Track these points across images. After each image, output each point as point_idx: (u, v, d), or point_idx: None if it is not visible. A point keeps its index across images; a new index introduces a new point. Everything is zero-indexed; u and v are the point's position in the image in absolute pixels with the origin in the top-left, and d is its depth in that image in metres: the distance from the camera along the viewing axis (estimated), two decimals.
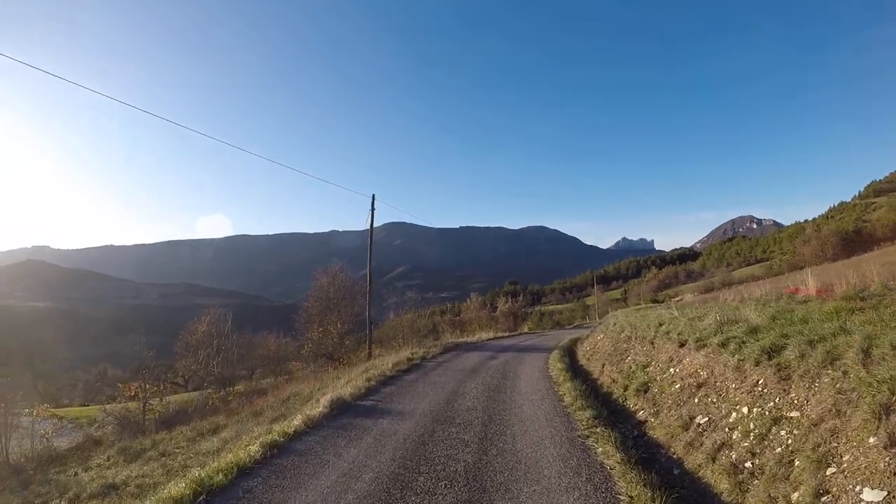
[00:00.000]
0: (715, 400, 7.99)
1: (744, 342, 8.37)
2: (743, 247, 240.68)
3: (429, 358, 21.87)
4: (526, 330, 55.62)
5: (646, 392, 10.51)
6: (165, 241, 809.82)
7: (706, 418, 7.81)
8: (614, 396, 11.80)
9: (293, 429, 10.09)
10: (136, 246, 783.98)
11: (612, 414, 10.35)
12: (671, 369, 10.34)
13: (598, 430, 8.69)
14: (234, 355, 42.04)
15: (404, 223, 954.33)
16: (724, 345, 8.83)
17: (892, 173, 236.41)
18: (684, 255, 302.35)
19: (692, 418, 8.11)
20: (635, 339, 14.40)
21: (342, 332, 31.53)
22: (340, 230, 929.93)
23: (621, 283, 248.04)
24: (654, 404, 9.72)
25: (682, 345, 10.63)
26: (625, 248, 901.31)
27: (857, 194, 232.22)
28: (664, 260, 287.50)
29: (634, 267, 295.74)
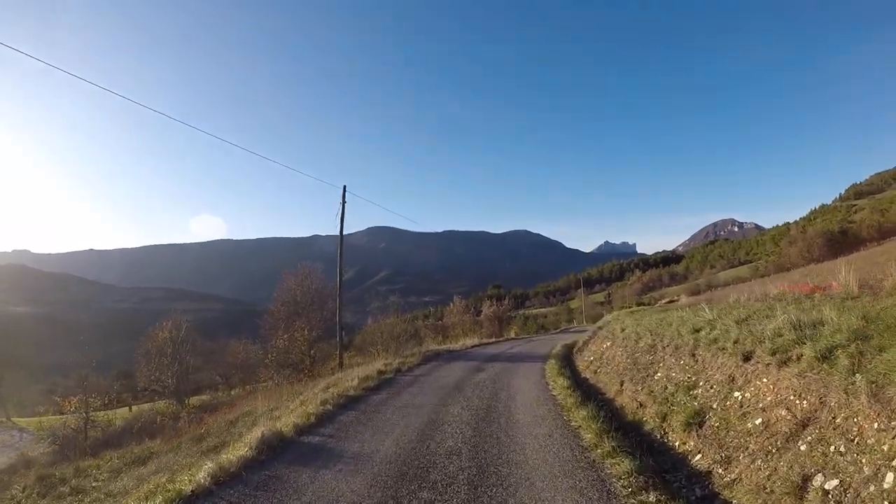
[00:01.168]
0: (843, 450, 4.88)
1: (861, 354, 5.37)
2: (726, 249, 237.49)
3: (404, 370, 18.76)
4: (513, 335, 52.50)
5: (700, 426, 7.42)
6: (148, 246, 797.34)
7: (834, 480, 4.72)
8: (647, 428, 8.77)
9: (195, 485, 6.92)
10: (118, 250, 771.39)
11: (651, 455, 7.29)
12: (736, 394, 7.25)
13: (649, 499, 5.59)
14: (189, 366, 38.98)
15: (387, 227, 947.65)
16: (825, 358, 5.85)
17: (872, 175, 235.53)
18: (667, 258, 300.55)
19: (806, 478, 5.01)
20: (663, 348, 11.30)
21: (311, 340, 28.27)
22: (322, 234, 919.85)
23: (604, 286, 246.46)
24: (720, 446, 6.63)
25: (746, 358, 7.58)
26: (607, 252, 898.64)
27: (838, 196, 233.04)
28: (647, 263, 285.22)
29: (618, 270, 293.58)
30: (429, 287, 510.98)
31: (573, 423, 9.24)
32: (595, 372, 15.51)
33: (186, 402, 42.54)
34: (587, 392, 12.72)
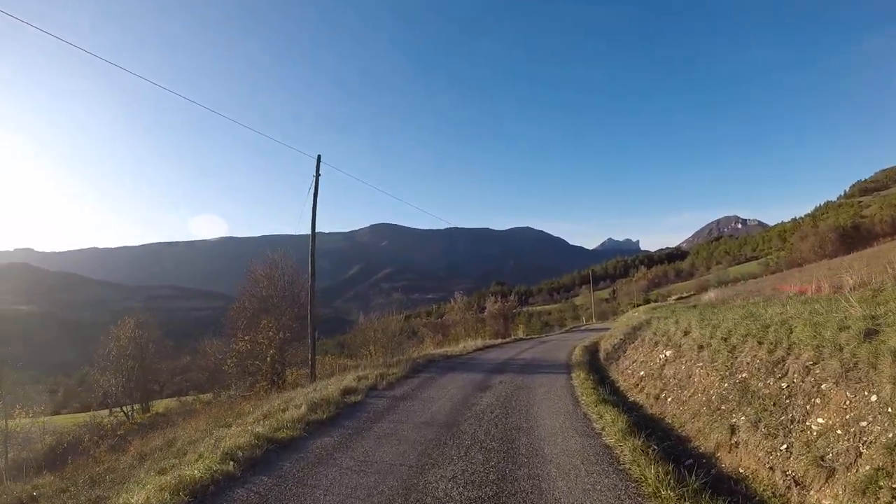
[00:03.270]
0: None
1: None
2: (731, 246, 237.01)
3: (382, 387, 13.84)
4: (521, 335, 47.46)
5: None
6: (153, 244, 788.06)
7: None
8: None
9: None
10: (122, 248, 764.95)
11: None
12: None
13: None
14: (158, 368, 34.55)
15: (391, 224, 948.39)
16: None
17: (877, 172, 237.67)
18: (672, 255, 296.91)
19: None
20: (806, 369, 6.42)
21: (280, 342, 23.34)
22: (325, 231, 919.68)
23: (609, 282, 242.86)
24: None
25: None
26: (611, 249, 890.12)
27: (843, 193, 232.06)
28: (652, 259, 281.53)
29: (622, 266, 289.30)
30: (432, 284, 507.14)
31: None
32: (656, 397, 10.67)
33: (150, 408, 38.72)
34: (659, 435, 7.92)
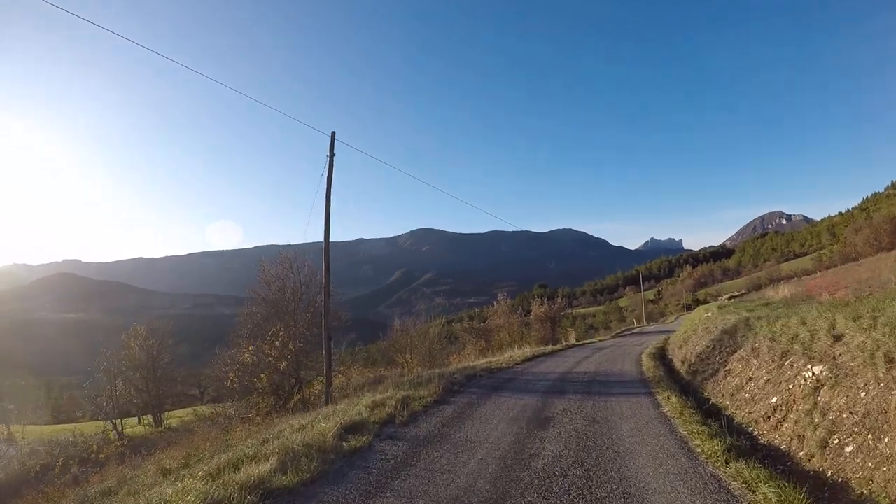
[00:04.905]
0: None
1: None
2: (778, 242, 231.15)
3: (401, 420, 10.02)
4: (573, 340, 43.20)
5: None
6: (197, 253, 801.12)
7: None
8: None
9: None
10: (167, 258, 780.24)
11: None
12: None
13: None
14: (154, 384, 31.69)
15: (432, 229, 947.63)
16: None
17: None
18: (717, 253, 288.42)
19: None
20: None
21: (292, 353, 19.74)
22: (367, 238, 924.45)
23: (653, 283, 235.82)
24: None
25: None
26: (653, 249, 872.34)
27: (890, 184, 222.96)
28: (697, 259, 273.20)
29: (667, 266, 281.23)
30: (473, 288, 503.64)
31: None
32: (822, 444, 6.61)
33: (163, 421, 36.04)
34: None
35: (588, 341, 42.59)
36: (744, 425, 9.01)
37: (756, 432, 8.53)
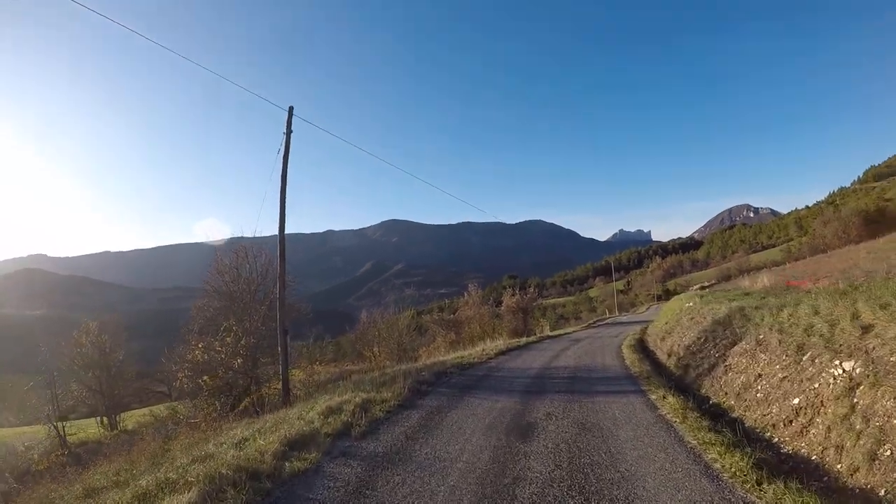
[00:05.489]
0: None
1: None
2: (746, 234, 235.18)
3: (358, 432, 8.49)
4: (547, 332, 42.00)
5: None
6: (163, 246, 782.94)
7: None
8: None
9: None
10: (133, 251, 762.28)
11: None
12: None
13: None
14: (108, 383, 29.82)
15: (401, 220, 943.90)
16: None
17: (891, 157, 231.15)
18: (686, 245, 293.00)
19: None
20: None
21: (247, 350, 17.99)
22: (336, 229, 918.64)
23: (623, 274, 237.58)
24: None
25: None
26: (622, 240, 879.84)
27: (856, 179, 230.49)
28: (666, 250, 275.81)
29: (636, 257, 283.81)
30: (444, 279, 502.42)
31: None
32: (871, 457, 5.33)
33: (118, 423, 34.09)
34: None
35: (562, 332, 41.33)
36: (759, 430, 7.73)
37: (776, 439, 7.24)
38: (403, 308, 41.13)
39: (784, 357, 8.65)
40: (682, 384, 11.87)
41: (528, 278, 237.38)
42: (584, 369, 15.49)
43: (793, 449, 6.75)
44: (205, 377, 16.48)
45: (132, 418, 34.96)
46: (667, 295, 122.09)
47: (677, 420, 8.16)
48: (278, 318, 15.48)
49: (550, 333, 38.78)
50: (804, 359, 8.06)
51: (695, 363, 12.55)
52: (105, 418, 35.36)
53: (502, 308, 46.19)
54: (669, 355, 15.71)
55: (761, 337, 10.04)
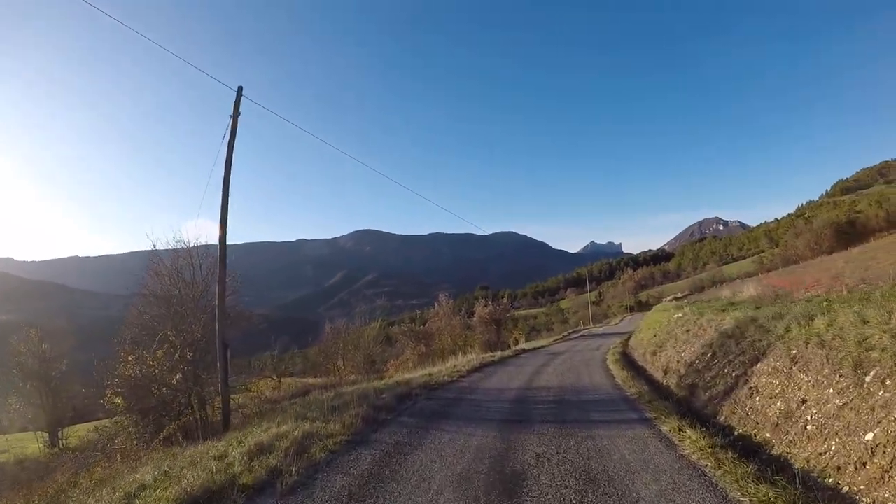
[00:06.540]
0: None
1: None
2: (716, 246, 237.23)
3: (286, 486, 6.25)
4: (522, 345, 40.22)
5: None
6: (132, 252, 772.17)
7: None
8: None
9: None
10: (103, 257, 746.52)
11: None
12: None
13: None
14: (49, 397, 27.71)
15: (373, 230, 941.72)
16: None
17: (858, 172, 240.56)
18: (657, 257, 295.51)
19: None
20: None
21: (184, 364, 15.60)
22: (308, 238, 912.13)
23: (594, 285, 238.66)
24: None
25: None
26: (594, 252, 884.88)
27: (825, 192, 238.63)
28: (637, 262, 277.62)
29: (607, 269, 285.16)
30: (416, 290, 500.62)
31: None
32: None
33: (60, 440, 31.67)
34: None
35: (538, 345, 39.43)
36: (816, 475, 5.81)
37: (846, 488, 5.34)
38: (373, 318, 39.17)
39: (837, 378, 6.77)
40: (691, 409, 10.01)
41: (500, 290, 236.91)
42: (570, 390, 13.51)
43: (872, 502, 4.89)
44: (116, 399, 14.15)
45: (77, 434, 32.31)
46: (640, 306, 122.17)
47: (709, 465, 6.23)
48: (217, 329, 13.21)
49: (525, 347, 36.82)
50: (867, 379, 6.22)
51: (703, 383, 10.69)
52: (46, 434, 32.69)
53: (475, 319, 44.48)
54: (666, 372, 13.89)
55: (795, 353, 8.18)
